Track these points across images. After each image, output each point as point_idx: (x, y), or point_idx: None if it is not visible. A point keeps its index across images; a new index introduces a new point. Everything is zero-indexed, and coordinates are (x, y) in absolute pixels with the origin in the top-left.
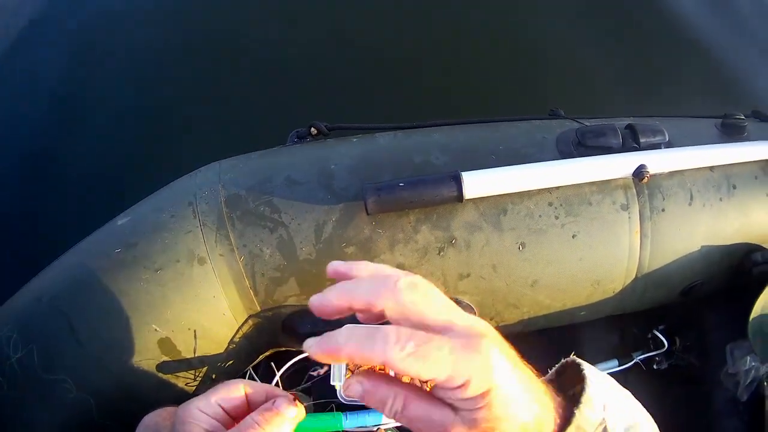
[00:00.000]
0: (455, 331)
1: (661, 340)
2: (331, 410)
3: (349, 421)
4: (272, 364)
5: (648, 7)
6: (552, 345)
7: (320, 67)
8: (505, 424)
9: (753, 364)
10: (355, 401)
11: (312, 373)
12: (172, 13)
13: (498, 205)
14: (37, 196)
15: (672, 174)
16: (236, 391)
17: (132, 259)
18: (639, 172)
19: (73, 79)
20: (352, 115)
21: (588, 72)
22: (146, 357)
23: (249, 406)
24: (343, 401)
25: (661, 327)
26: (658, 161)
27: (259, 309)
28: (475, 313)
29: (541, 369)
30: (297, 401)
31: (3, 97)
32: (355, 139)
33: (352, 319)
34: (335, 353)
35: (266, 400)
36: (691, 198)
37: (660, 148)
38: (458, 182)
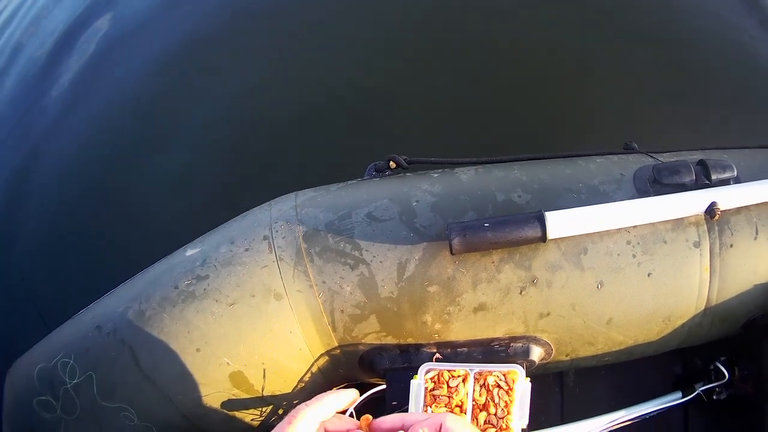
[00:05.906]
0: None
1: (722, 371)
2: None
3: None
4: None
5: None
6: (620, 378)
7: (395, 98)
8: None
9: None
10: None
11: (393, 404)
12: (261, 49)
13: (579, 244)
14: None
15: (739, 209)
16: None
17: (203, 292)
18: (711, 210)
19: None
20: (428, 148)
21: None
22: (215, 390)
23: None
24: None
25: (722, 358)
26: (729, 198)
27: (336, 344)
28: (552, 351)
29: (610, 402)
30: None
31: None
32: (435, 175)
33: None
34: None
35: None
36: (756, 232)
37: (729, 183)
38: (542, 223)
